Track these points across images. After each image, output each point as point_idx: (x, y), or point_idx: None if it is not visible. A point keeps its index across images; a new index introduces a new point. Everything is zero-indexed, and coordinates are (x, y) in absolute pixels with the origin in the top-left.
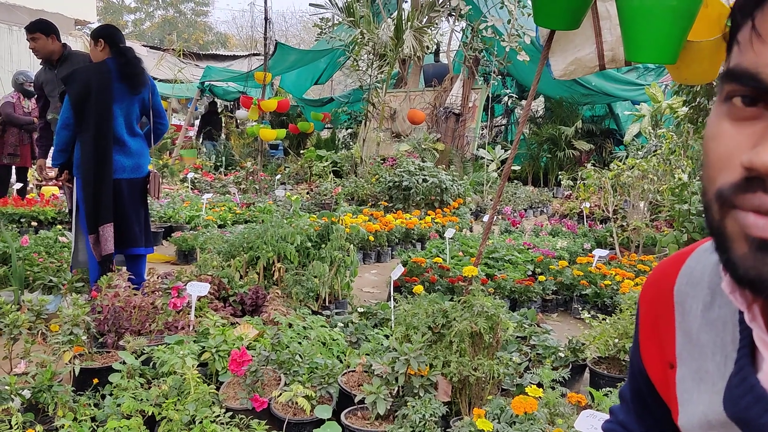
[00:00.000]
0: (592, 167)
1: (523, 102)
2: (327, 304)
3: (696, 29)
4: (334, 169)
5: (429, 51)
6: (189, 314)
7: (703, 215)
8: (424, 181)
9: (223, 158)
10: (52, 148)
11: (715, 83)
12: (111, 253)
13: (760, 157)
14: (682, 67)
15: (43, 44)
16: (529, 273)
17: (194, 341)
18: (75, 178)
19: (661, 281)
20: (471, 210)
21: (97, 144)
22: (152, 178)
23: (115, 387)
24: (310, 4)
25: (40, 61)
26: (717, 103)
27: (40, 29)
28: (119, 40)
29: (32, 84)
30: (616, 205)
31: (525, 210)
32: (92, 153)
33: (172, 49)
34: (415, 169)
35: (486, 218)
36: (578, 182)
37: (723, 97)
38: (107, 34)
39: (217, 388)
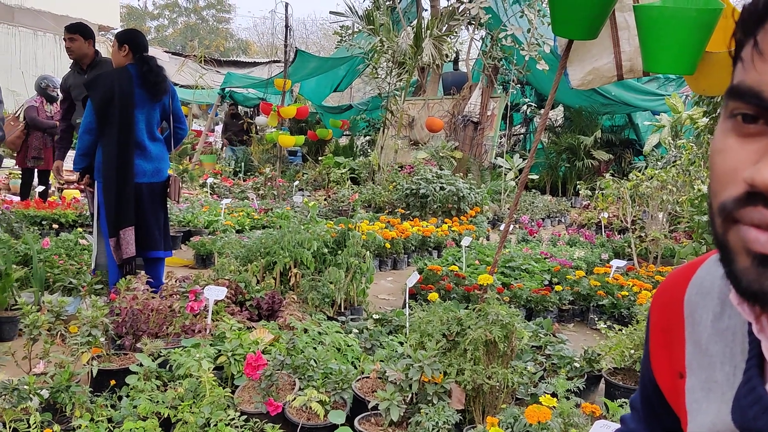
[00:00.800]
0: (611, 177)
1: (542, 111)
2: (342, 310)
3: (715, 40)
4: (352, 176)
5: (448, 59)
6: (206, 318)
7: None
8: (442, 189)
9: (243, 164)
10: (73, 151)
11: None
12: (131, 257)
13: (761, 174)
14: (700, 77)
15: (79, 46)
16: (546, 282)
17: (210, 345)
18: (96, 182)
19: (671, 290)
20: (488, 218)
21: (119, 148)
22: (172, 181)
23: (131, 389)
24: (331, 12)
25: (70, 64)
26: (722, 119)
27: (80, 31)
28: (143, 47)
29: (55, 89)
30: (634, 216)
31: (543, 219)
32: (114, 157)
33: (194, 56)
34: (433, 176)
35: (503, 227)
36: (597, 192)
37: (728, 114)
38: (132, 40)
39: (233, 392)
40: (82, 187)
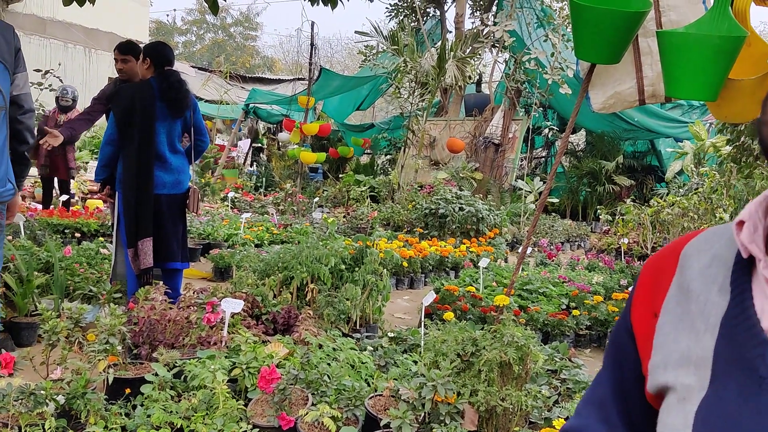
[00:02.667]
0: (632, 203)
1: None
2: (358, 327)
3: (738, 67)
4: (372, 194)
5: (471, 81)
6: (222, 330)
7: (760, 129)
8: (461, 209)
9: (264, 179)
10: (97, 163)
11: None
12: (149, 267)
13: None
14: (722, 104)
15: (131, 66)
16: (563, 307)
17: (225, 357)
18: (117, 193)
19: (670, 250)
20: (507, 241)
21: (140, 160)
22: (192, 193)
23: (146, 398)
24: (356, 32)
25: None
26: None
27: (133, 52)
28: (167, 60)
29: (65, 97)
30: (654, 242)
31: (562, 243)
32: (134, 169)
33: (219, 71)
34: (452, 197)
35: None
36: (617, 217)
37: None
38: (154, 53)
39: (246, 404)
40: (104, 197)
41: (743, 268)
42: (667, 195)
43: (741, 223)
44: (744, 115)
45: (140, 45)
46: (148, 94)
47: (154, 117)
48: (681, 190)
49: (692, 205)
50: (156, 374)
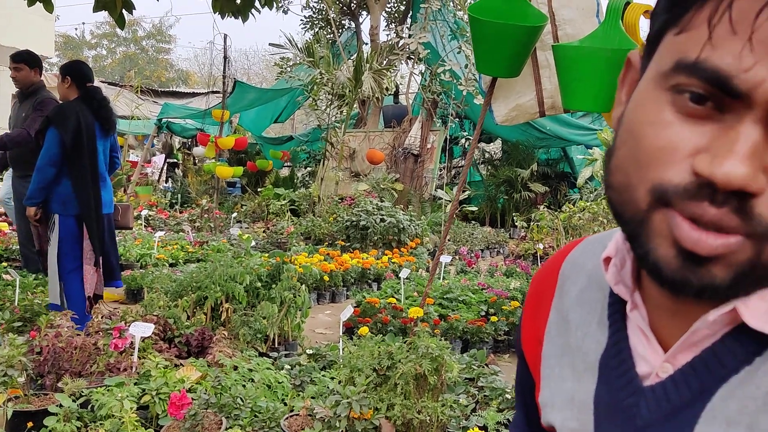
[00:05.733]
0: (546, 209)
1: (482, 144)
2: (276, 345)
3: None
4: (292, 207)
5: (388, 92)
6: (132, 355)
7: (608, 194)
8: (382, 220)
9: (179, 195)
10: (32, 185)
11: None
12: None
13: (722, 171)
14: None
15: (25, 75)
16: (483, 313)
17: (135, 383)
18: (58, 216)
19: (550, 266)
20: (428, 250)
21: (91, 180)
22: (126, 209)
23: (50, 431)
24: (270, 44)
25: (12, 95)
26: (655, 86)
27: (26, 60)
28: (86, 78)
29: None
30: None
31: (482, 250)
32: (88, 188)
33: (130, 85)
34: (373, 208)
35: (441, 258)
36: (532, 224)
37: (668, 86)
38: (74, 72)
39: None
40: (35, 221)
41: (619, 301)
42: (579, 200)
43: (608, 260)
44: None
45: (37, 55)
46: (87, 114)
47: (96, 137)
48: (592, 195)
49: (602, 210)
50: (60, 405)
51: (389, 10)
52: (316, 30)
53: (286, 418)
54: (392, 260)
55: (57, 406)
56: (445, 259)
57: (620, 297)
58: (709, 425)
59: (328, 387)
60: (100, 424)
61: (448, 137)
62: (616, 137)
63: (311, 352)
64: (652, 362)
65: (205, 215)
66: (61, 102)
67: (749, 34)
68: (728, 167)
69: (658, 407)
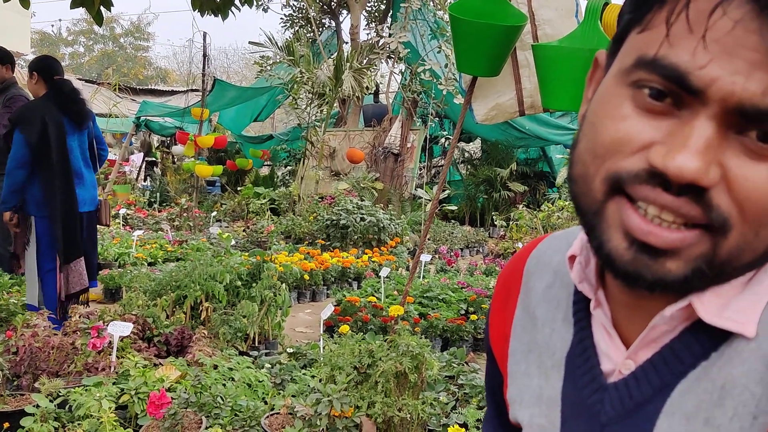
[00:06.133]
0: (525, 208)
1: (461, 144)
2: (256, 344)
3: None
4: (272, 206)
5: (368, 92)
6: (110, 355)
7: (570, 187)
8: (362, 219)
9: (158, 194)
10: (4, 190)
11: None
12: (81, 289)
13: (675, 164)
14: None
15: None
16: (462, 312)
17: (114, 383)
18: (34, 218)
19: (516, 262)
20: (408, 249)
21: (61, 179)
22: (103, 205)
23: (26, 431)
24: (250, 42)
25: None
26: (617, 82)
27: None
28: (55, 71)
29: None
30: None
31: (461, 249)
32: (56, 189)
33: (108, 83)
34: (353, 207)
35: (421, 257)
36: (511, 223)
37: (629, 81)
38: (41, 68)
39: None
40: (11, 226)
41: (584, 299)
42: (558, 200)
43: (573, 258)
44: None
45: (9, 51)
46: (54, 111)
47: (65, 133)
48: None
49: None
50: (37, 406)
51: (369, 9)
52: (296, 28)
53: (267, 417)
54: (372, 259)
55: (34, 406)
56: (425, 257)
57: (584, 295)
58: (669, 420)
59: (308, 385)
60: (78, 424)
61: (427, 136)
62: (578, 132)
63: (292, 350)
64: (615, 359)
65: (185, 214)
66: (32, 99)
67: (703, 33)
68: (681, 161)
69: (621, 404)
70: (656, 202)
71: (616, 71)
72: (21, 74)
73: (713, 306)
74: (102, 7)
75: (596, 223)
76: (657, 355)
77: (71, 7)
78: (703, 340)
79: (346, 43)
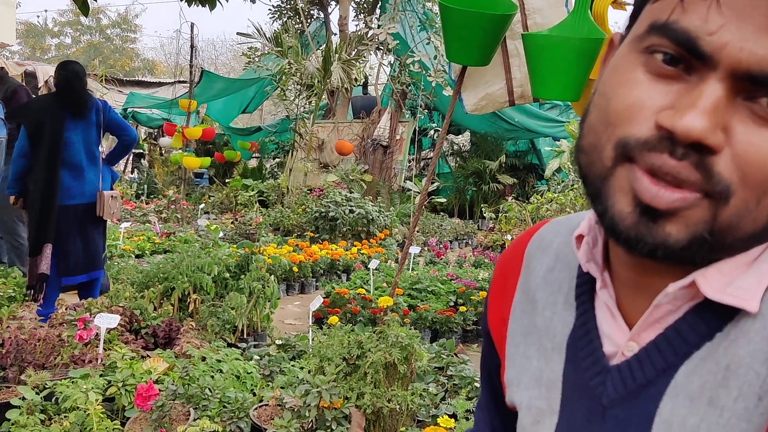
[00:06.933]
0: (514, 200)
1: (450, 136)
2: (245, 336)
3: (597, 68)
4: (261, 198)
5: (357, 83)
6: (97, 347)
7: (578, 158)
8: (351, 212)
9: (145, 186)
10: (9, 176)
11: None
12: (46, 275)
13: (682, 123)
14: (585, 104)
15: None
16: (451, 304)
17: (101, 375)
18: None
19: (516, 246)
20: (397, 241)
21: (48, 170)
22: (98, 197)
23: (12, 424)
24: (238, 33)
25: None
26: (630, 49)
27: None
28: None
29: None
30: None
31: (450, 242)
32: (41, 179)
33: (94, 74)
34: (342, 199)
35: (410, 249)
36: (500, 215)
37: (642, 47)
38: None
39: (123, 424)
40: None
41: (588, 281)
42: (547, 192)
43: (580, 237)
44: None
45: (8, 48)
46: (54, 106)
47: (63, 129)
48: (559, 186)
49: (569, 201)
50: (23, 398)
51: (358, 0)
52: (285, 20)
53: (256, 408)
54: (361, 251)
55: (20, 398)
56: (414, 250)
57: (588, 277)
58: (673, 402)
59: (297, 377)
60: (65, 416)
61: (417, 128)
62: (590, 103)
63: (280, 342)
64: (618, 341)
65: (172, 206)
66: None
67: None
68: (688, 120)
69: (623, 386)
70: (661, 170)
71: (629, 40)
72: (6, 65)
73: (717, 283)
74: None
75: (603, 189)
76: (661, 336)
77: None
78: (708, 320)
79: (335, 34)
